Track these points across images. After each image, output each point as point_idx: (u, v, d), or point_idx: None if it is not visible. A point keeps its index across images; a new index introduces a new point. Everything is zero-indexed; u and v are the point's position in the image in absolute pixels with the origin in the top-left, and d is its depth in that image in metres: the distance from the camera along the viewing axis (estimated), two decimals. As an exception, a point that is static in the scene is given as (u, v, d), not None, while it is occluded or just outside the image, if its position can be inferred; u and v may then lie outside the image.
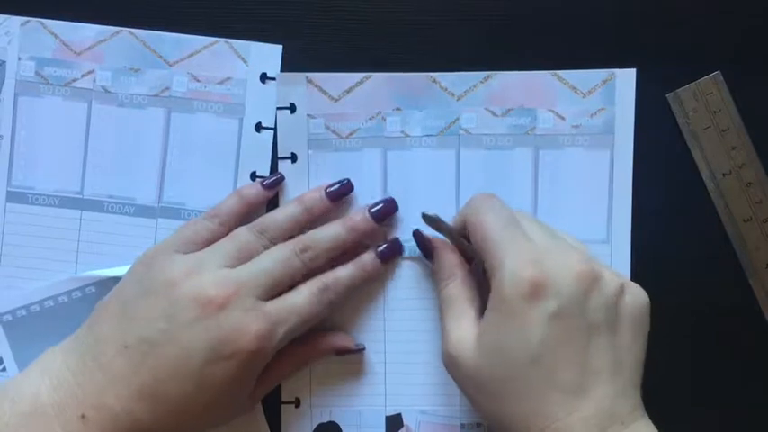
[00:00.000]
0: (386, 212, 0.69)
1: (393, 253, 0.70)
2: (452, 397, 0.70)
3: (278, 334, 0.63)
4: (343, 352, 0.70)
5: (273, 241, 0.66)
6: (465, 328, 0.61)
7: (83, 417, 0.59)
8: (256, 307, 0.62)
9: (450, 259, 0.66)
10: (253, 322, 0.61)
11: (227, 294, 0.61)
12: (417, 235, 0.68)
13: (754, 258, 0.70)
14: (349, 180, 0.70)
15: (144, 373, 0.60)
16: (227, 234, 0.67)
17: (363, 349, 0.71)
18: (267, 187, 0.69)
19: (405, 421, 0.71)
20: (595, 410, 0.56)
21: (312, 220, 0.69)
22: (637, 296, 0.60)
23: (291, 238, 0.67)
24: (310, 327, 0.66)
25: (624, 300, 0.59)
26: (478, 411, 0.62)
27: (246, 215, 0.69)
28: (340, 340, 0.70)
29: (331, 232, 0.67)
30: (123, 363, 0.61)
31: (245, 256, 0.65)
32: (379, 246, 0.69)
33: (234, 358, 0.61)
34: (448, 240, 0.67)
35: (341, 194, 0.69)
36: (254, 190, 0.69)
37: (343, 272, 0.67)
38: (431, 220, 0.66)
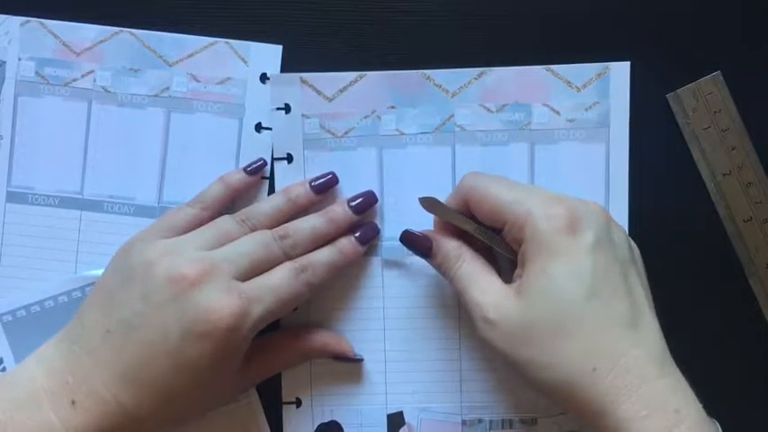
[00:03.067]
0: (365, 205, 0.69)
1: (370, 236, 0.69)
2: (454, 394, 0.70)
3: (253, 313, 0.62)
4: (340, 358, 0.70)
5: (255, 229, 0.67)
6: (497, 291, 0.61)
7: (73, 403, 0.60)
8: (231, 286, 0.62)
9: (452, 243, 0.65)
10: (226, 300, 0.60)
11: (200, 272, 0.61)
12: (408, 236, 0.66)
13: (754, 258, 0.70)
14: (334, 173, 0.70)
15: (126, 357, 0.60)
16: (210, 219, 0.68)
17: (362, 360, 0.71)
18: (250, 173, 0.70)
19: (406, 419, 0.71)
20: (651, 344, 0.57)
21: (297, 212, 0.69)
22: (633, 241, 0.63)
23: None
24: (292, 308, 0.68)
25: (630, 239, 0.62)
26: (526, 374, 0.59)
27: (230, 200, 0.70)
28: (337, 344, 0.70)
29: (311, 223, 0.67)
30: (107, 348, 0.61)
31: (224, 242, 0.65)
32: (357, 230, 0.69)
33: (209, 337, 0.60)
34: (438, 228, 0.67)
35: (326, 187, 0.69)
36: (237, 175, 0.70)
37: (321, 254, 0.67)
38: (429, 203, 0.65)
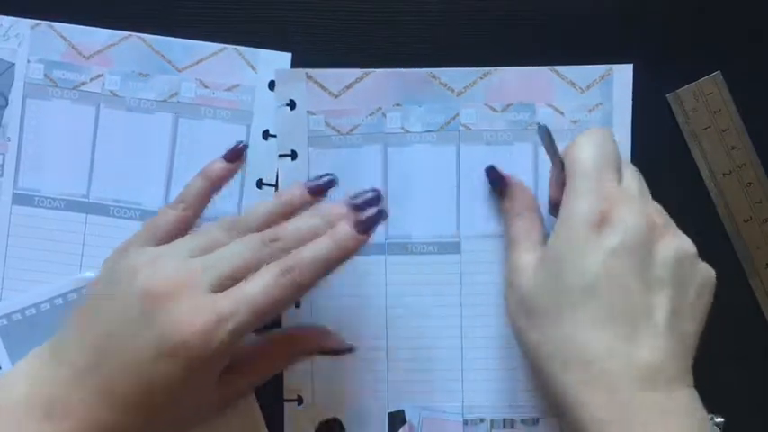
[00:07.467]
0: (367, 205, 0.62)
1: (371, 223, 0.61)
2: (455, 393, 0.70)
3: (226, 329, 0.56)
4: (328, 352, 0.67)
5: (242, 236, 0.61)
6: (528, 257, 0.63)
7: (49, 415, 0.58)
8: (204, 300, 0.57)
9: (522, 197, 0.68)
10: (197, 316, 0.56)
11: (175, 285, 0.57)
12: (491, 170, 0.69)
13: (754, 258, 0.70)
14: (334, 176, 0.64)
15: (101, 370, 0.58)
16: (193, 217, 0.65)
17: (352, 350, 0.67)
18: (230, 159, 0.66)
19: (407, 418, 0.70)
20: (643, 362, 0.56)
21: (291, 217, 0.63)
22: (708, 270, 0.61)
23: None
24: (278, 314, 0.66)
25: (698, 266, 0.60)
26: (523, 344, 0.61)
27: (213, 193, 0.65)
28: (322, 339, 0.67)
29: (303, 223, 0.61)
30: (84, 360, 0.59)
31: (210, 250, 0.61)
32: (359, 214, 0.61)
33: (178, 355, 0.56)
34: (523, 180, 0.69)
35: (322, 190, 0.64)
36: (217, 165, 0.65)
37: (311, 248, 0.59)
38: (545, 133, 0.65)
